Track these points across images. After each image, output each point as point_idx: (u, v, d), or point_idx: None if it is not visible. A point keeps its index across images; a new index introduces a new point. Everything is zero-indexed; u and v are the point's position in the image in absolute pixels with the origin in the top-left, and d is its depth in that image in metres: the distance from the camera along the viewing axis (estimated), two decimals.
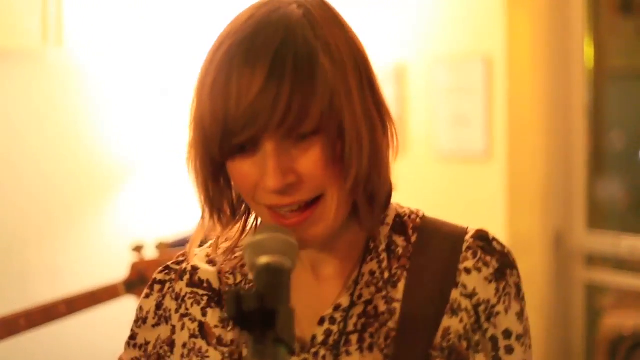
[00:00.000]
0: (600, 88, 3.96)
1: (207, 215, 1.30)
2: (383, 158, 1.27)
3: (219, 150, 1.17)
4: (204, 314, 1.36)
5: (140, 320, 1.42)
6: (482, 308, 1.29)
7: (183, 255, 1.44)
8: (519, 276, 1.34)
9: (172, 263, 1.43)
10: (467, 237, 1.34)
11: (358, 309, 1.29)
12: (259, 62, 1.13)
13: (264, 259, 1.10)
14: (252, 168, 1.18)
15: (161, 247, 2.98)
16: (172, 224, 4.27)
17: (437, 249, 1.32)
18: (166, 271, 1.43)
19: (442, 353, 1.27)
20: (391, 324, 1.27)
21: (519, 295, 1.34)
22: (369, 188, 1.26)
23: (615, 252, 3.83)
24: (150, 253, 3.14)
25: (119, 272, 4.13)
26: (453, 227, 1.37)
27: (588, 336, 4.01)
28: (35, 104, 3.88)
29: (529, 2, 3.80)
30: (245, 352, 1.30)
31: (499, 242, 1.34)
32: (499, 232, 3.65)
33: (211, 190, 1.27)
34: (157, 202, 4.29)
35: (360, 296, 1.29)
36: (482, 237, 1.34)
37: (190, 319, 1.37)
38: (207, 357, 1.33)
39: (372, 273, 1.31)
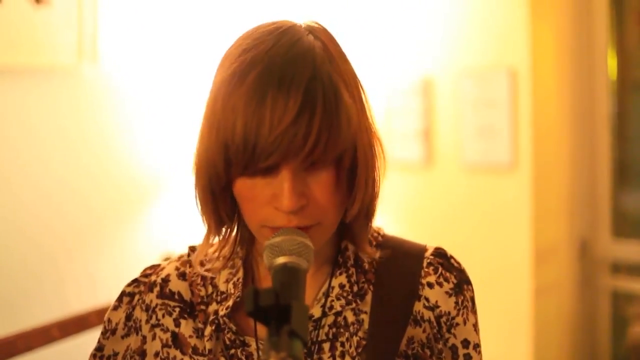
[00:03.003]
0: (623, 99, 4.00)
1: (212, 227, 1.36)
2: (380, 182, 1.36)
3: (241, 169, 1.24)
4: (177, 325, 1.42)
5: (109, 332, 1.48)
6: (443, 319, 1.41)
7: (151, 268, 1.52)
8: (473, 291, 1.46)
9: (141, 276, 1.50)
10: (427, 254, 1.45)
11: (329, 320, 1.38)
12: (291, 95, 1.19)
13: (281, 259, 1.19)
14: (265, 188, 1.25)
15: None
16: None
17: (399, 265, 1.43)
18: (135, 284, 1.50)
19: None
20: (361, 334, 1.36)
21: (474, 309, 1.45)
22: (370, 212, 1.36)
23: None
24: None
25: None
26: (413, 244, 1.48)
27: (614, 344, 4.03)
28: (70, 120, 3.94)
29: (552, 14, 3.86)
30: (222, 359, 1.38)
31: (455, 260, 1.46)
32: (525, 241, 3.74)
33: (219, 204, 1.33)
34: (188, 216, 4.34)
35: (331, 307, 1.38)
36: (441, 255, 1.46)
37: (161, 329, 1.43)
38: None
39: (342, 286, 1.40)
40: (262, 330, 1.39)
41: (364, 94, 1.34)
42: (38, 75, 3.80)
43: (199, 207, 1.36)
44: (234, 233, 1.40)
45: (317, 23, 1.35)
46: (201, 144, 1.30)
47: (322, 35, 1.31)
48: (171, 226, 4.31)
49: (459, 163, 4.07)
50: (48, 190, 3.90)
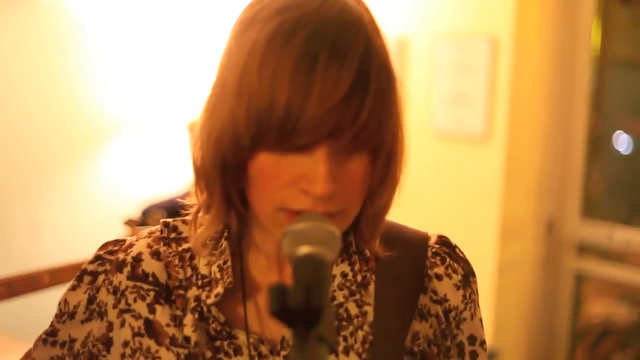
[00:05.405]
0: (604, 75, 3.90)
1: (214, 204, 1.17)
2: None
3: (273, 144, 1.07)
4: (152, 311, 1.25)
5: (66, 315, 1.29)
6: (452, 314, 1.29)
7: (114, 244, 1.31)
8: (477, 283, 1.34)
9: (105, 252, 1.30)
10: (431, 242, 1.31)
11: None
12: (345, 65, 1.04)
13: (305, 249, 1.01)
14: (293, 167, 1.08)
15: (130, 224, 2.83)
16: (155, 183, 4.21)
17: (402, 253, 1.27)
18: (99, 261, 1.29)
19: (414, 357, 1.25)
20: (366, 328, 1.23)
21: (478, 302, 1.34)
22: (389, 205, 1.22)
23: (607, 244, 3.80)
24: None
25: (100, 227, 4.07)
26: (414, 231, 1.33)
27: (574, 325, 3.99)
28: (29, 50, 3.78)
29: None
30: (208, 354, 1.22)
31: (460, 250, 1.33)
32: (492, 215, 3.63)
33: (229, 180, 1.14)
34: (142, 160, 4.22)
35: (333, 299, 1.23)
36: (447, 244, 1.32)
37: (132, 316, 1.25)
38: (159, 357, 1.23)
39: (344, 275, 1.25)
40: (252, 321, 1.24)
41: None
42: None
43: (201, 181, 1.17)
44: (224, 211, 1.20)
45: None
46: (219, 111, 1.10)
47: (362, 3, 1.15)
48: (123, 173, 4.17)
49: (430, 130, 3.93)
50: (3, 123, 3.74)
